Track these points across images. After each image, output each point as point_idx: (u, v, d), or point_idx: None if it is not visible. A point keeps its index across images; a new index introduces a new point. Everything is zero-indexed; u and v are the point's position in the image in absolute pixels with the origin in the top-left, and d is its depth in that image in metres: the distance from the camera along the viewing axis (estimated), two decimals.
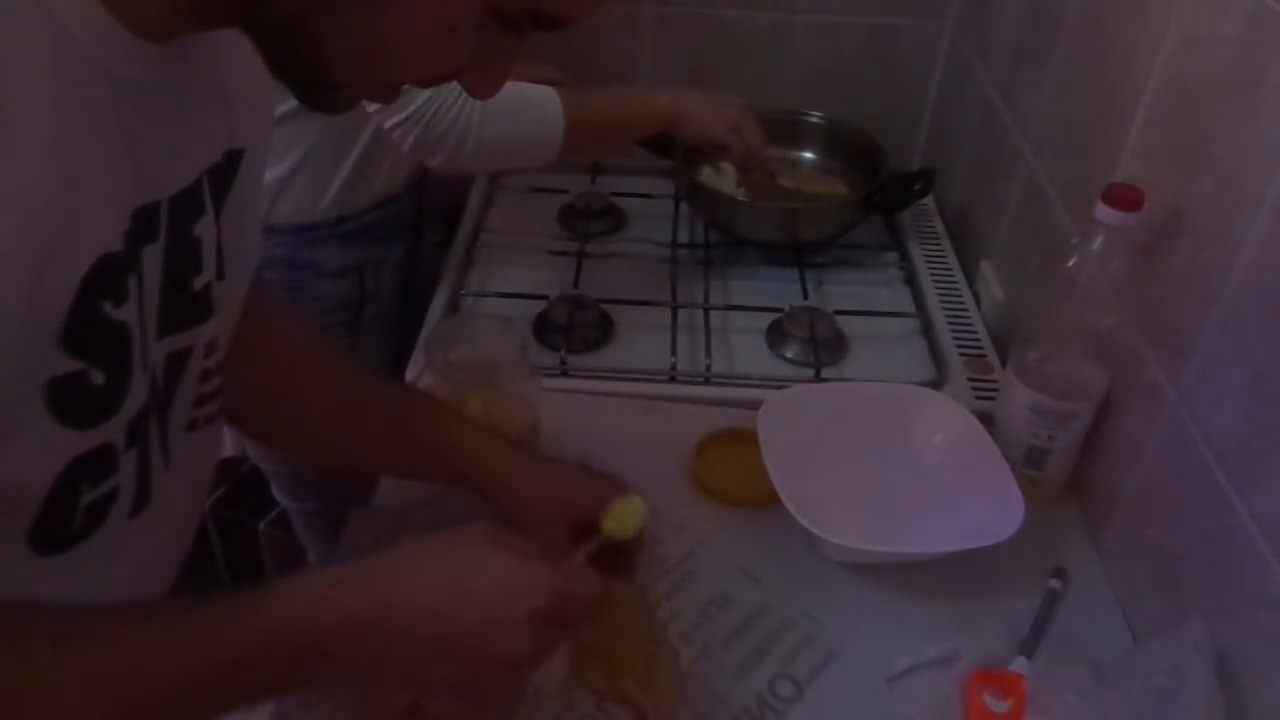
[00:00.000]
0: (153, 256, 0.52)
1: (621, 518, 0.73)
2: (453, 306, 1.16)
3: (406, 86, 0.56)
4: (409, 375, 1.01)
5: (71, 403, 0.48)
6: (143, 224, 0.51)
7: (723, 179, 1.33)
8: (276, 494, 1.38)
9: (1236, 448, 0.72)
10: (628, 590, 0.77)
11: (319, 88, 0.49)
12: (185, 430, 0.62)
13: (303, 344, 0.80)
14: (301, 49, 0.47)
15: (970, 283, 1.26)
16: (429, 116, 1.00)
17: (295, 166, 1.08)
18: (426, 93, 0.99)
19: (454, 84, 0.54)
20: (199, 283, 0.57)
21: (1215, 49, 0.78)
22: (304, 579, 0.54)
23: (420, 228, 1.31)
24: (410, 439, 0.79)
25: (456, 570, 0.57)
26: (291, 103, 0.52)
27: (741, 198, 1.28)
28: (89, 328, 0.48)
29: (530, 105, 1.07)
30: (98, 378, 0.49)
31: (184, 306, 0.56)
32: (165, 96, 0.51)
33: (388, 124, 1.02)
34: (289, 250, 1.13)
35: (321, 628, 0.53)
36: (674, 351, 1.09)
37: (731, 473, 0.94)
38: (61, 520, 0.51)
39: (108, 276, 0.48)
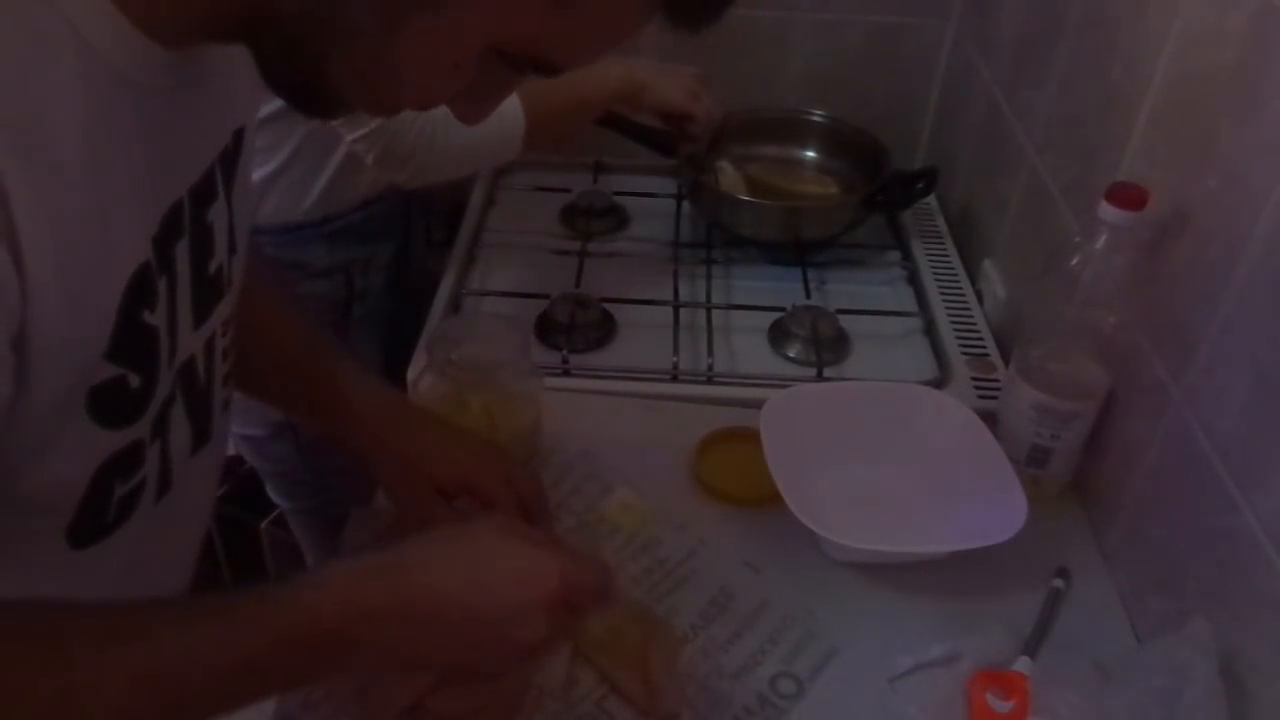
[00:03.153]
0: (183, 252, 0.54)
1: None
2: (455, 306, 1.16)
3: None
4: (410, 375, 1.01)
5: (110, 406, 0.51)
6: (171, 224, 0.52)
7: (724, 178, 1.33)
8: (270, 493, 1.38)
9: (1240, 447, 0.72)
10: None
11: (319, 100, 0.51)
12: (222, 411, 0.65)
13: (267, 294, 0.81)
14: (305, 66, 0.48)
15: (973, 282, 1.25)
16: (392, 132, 1.00)
17: (281, 167, 1.08)
18: None
19: None
20: (213, 266, 0.59)
21: (1219, 47, 0.77)
22: (333, 570, 0.57)
23: (410, 227, 1.30)
24: (311, 386, 0.81)
25: (475, 559, 0.60)
26: (277, 104, 0.52)
27: (744, 194, 1.28)
28: (130, 336, 0.50)
29: None
30: (135, 381, 0.52)
31: (206, 293, 0.59)
32: (181, 97, 0.52)
33: (350, 138, 1.02)
34: (275, 250, 1.12)
35: (352, 617, 0.55)
36: (676, 351, 1.09)
37: (733, 472, 0.94)
38: (97, 515, 0.54)
39: (144, 285, 0.50)
